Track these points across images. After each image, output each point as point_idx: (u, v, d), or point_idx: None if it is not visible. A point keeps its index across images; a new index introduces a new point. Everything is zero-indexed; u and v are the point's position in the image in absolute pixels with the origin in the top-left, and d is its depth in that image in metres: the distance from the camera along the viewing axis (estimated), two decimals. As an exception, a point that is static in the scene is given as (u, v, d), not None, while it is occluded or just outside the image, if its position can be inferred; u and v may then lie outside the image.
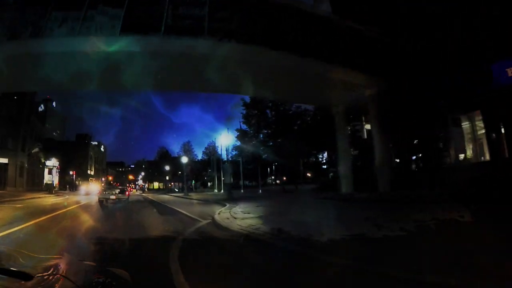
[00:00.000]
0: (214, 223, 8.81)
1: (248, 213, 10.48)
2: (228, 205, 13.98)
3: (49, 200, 21.37)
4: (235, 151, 54.84)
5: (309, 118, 25.16)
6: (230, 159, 40.73)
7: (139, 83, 15.51)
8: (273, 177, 64.26)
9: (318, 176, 54.42)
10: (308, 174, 53.88)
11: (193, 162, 57.38)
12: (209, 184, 59.48)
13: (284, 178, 66.00)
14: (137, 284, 1.72)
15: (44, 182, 38.48)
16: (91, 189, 30.50)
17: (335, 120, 17.85)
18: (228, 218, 9.12)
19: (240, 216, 9.52)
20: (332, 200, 15.04)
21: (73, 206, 15.11)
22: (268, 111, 24.46)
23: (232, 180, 20.77)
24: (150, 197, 28.69)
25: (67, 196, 26.40)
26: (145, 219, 10.13)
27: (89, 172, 71.93)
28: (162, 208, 15.05)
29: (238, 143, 26.98)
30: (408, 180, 13.88)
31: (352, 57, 13.61)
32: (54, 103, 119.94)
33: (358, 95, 15.60)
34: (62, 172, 57.10)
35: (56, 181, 40.40)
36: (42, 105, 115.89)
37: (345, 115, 17.84)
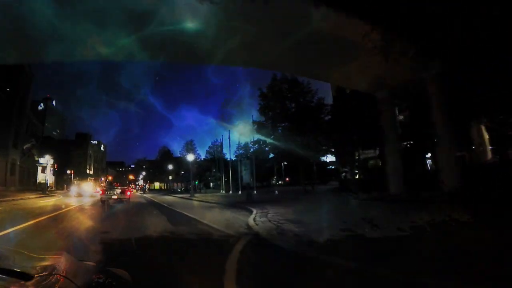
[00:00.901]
0: (261, 241, 5.69)
1: (299, 222, 7.39)
2: (255, 210, 10.90)
3: (38, 202, 18.12)
4: (249, 147, 52.27)
5: (331, 110, 22.17)
6: (241, 157, 37.73)
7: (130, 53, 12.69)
8: (275, 178, 61.60)
9: (324, 176, 51.53)
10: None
11: (196, 162, 54.18)
12: (211, 184, 56.30)
13: (287, 179, 63.32)
14: (137, 284, 1.66)
15: (38, 181, 35.06)
16: (85, 190, 26.05)
17: (379, 107, 14.89)
18: (281, 234, 5.99)
19: (294, 229, 6.42)
20: (384, 201, 12.01)
21: (59, 212, 11.95)
22: (287, 102, 21.37)
23: (250, 180, 17.59)
24: (152, 199, 25.40)
25: (60, 197, 23.09)
26: (152, 234, 6.97)
27: (88, 171, 68.55)
28: (171, 214, 11.90)
29: (252, 139, 23.76)
30: (481, 176, 10.87)
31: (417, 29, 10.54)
32: (54, 102, 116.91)
33: (411, 76, 12.59)
34: (60, 171, 53.84)
35: (50, 180, 36.90)
36: (41, 104, 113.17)
37: (392, 101, 14.83)
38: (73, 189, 26.92)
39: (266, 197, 17.85)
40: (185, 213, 11.80)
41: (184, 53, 13.29)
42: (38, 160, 34.44)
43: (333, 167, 59.81)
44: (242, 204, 14.30)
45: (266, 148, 22.06)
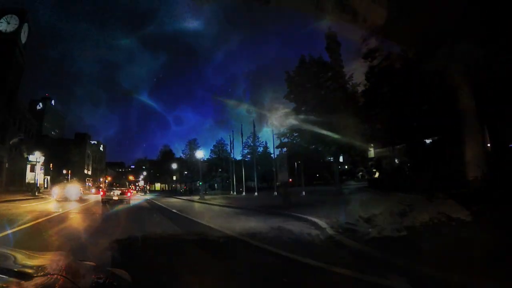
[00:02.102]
0: None
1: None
2: (315, 218, 7.12)
3: (10, 208, 14.08)
4: (257, 146, 48.43)
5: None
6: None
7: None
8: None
9: (332, 177, 47.64)
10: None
11: (200, 161, 50.15)
12: (215, 186, 52.34)
13: (290, 180, 59.49)
14: (137, 284, 1.59)
15: (27, 181, 30.63)
16: (71, 192, 18.82)
17: (456, 86, 11.26)
18: None
19: None
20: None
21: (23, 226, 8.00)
22: (317, 87, 17.60)
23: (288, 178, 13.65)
24: (156, 202, 21.24)
25: (45, 201, 18.87)
26: (176, 267, 3.09)
27: (86, 171, 64.21)
28: (190, 228, 8.02)
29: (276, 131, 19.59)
30: None
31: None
32: (52, 102, 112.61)
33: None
34: (56, 171, 49.80)
35: (40, 179, 32.60)
36: (40, 103, 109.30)
37: (471, 79, 11.22)
38: (55, 191, 19.24)
39: (304, 201, 13.91)
40: (211, 225, 7.89)
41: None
42: (28, 158, 30.18)
43: (341, 167, 56.17)
44: (282, 210, 10.44)
45: (294, 141, 18.09)
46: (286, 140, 18.97)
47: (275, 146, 21.69)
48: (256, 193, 24.45)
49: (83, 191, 21.93)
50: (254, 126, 26.70)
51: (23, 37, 33.33)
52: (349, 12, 10.72)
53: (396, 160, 26.92)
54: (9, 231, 6.21)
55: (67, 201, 17.12)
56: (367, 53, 22.56)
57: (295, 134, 18.00)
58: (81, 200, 19.14)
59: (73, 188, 19.22)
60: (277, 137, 19.87)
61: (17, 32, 31.75)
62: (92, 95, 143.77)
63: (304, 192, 19.23)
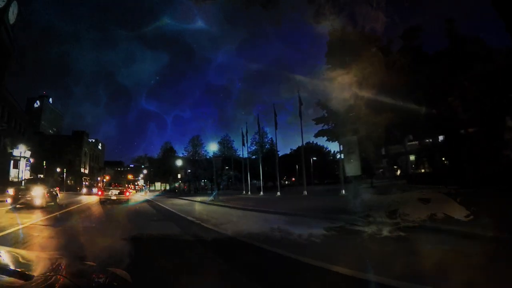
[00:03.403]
0: None
1: None
2: None
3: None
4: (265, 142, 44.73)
5: None
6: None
7: None
8: (285, 177, 54.59)
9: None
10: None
11: (202, 160, 46.33)
12: (221, 185, 48.55)
13: (293, 179, 55.88)
14: (137, 284, 1.55)
15: (10, 179, 26.28)
16: (35, 195, 11.65)
17: None
18: None
19: None
20: None
21: None
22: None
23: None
24: (160, 204, 17.11)
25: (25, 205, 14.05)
26: None
27: (83, 170, 59.77)
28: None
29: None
30: None
31: None
32: (50, 100, 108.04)
33: None
34: (50, 169, 45.71)
35: (26, 177, 28.26)
36: (37, 101, 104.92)
37: None
38: (10, 193, 11.94)
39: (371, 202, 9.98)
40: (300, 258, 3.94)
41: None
42: (11, 152, 25.77)
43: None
44: (353, 214, 6.52)
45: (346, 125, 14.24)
46: (326, 127, 14.99)
47: (314, 135, 17.74)
48: (278, 193, 20.50)
49: (59, 193, 15.82)
50: (275, 114, 22.51)
51: (12, 17, 29.19)
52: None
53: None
54: None
55: (27, 210, 10.68)
56: (407, 31, 18.84)
57: (339, 118, 14.06)
58: (49, 210, 11.20)
59: (37, 191, 12.01)
60: (315, 123, 15.96)
61: (4, 10, 27.61)
62: (91, 94, 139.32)
63: (343, 191, 15.31)
